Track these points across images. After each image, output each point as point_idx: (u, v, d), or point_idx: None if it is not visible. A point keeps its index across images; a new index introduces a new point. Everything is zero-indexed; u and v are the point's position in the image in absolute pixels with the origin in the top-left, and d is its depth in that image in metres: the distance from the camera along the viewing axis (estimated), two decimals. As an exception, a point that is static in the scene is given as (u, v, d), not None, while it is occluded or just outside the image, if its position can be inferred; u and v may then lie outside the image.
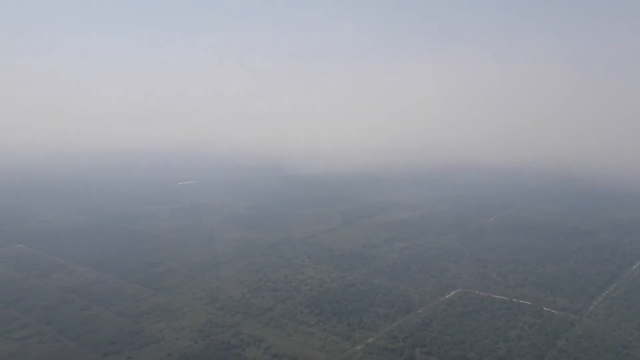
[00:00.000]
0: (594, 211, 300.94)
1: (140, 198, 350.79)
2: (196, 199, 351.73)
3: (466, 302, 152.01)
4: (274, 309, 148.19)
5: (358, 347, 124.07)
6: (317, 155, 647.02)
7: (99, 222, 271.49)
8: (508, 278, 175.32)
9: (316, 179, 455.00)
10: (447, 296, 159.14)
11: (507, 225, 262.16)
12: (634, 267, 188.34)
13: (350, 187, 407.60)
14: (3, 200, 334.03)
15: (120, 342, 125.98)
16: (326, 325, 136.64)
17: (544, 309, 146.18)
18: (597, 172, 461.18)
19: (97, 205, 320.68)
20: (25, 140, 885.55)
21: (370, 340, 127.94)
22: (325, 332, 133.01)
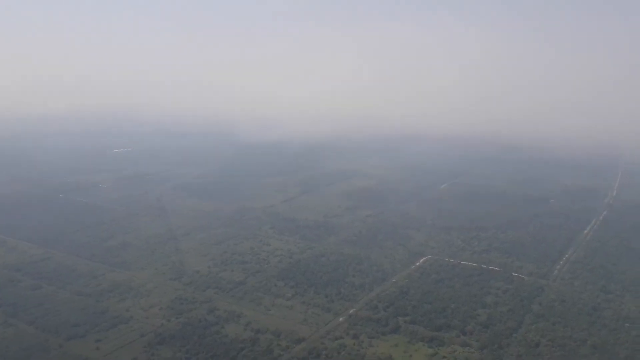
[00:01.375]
0: (542, 178, 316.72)
1: (77, 167, 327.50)
2: (139, 167, 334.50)
3: (438, 270, 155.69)
4: (246, 283, 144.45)
5: (341, 319, 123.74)
6: (270, 122, 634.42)
7: (37, 192, 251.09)
8: (473, 244, 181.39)
9: (271, 147, 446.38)
10: (418, 264, 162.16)
11: (462, 192, 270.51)
12: (586, 231, 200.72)
13: (307, 155, 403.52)
14: None
15: (84, 324, 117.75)
16: (304, 298, 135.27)
17: (513, 274, 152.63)
18: (541, 140, 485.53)
19: (30, 175, 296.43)
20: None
21: (351, 311, 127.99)
22: (304, 304, 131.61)
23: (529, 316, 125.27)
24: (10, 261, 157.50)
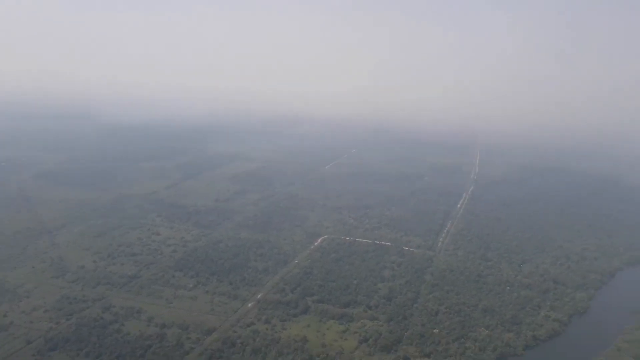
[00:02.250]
0: (412, 158, 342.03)
1: None
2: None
3: (336, 248, 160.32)
4: (141, 276, 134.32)
5: (249, 305, 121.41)
6: (137, 103, 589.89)
7: None
8: (364, 222, 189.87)
9: (140, 129, 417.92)
10: (316, 244, 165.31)
11: (344, 172, 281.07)
12: (459, 205, 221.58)
13: (184, 138, 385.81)
14: None
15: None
16: (207, 287, 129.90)
17: (404, 248, 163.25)
18: (409, 122, 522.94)
19: None
20: None
21: (259, 295, 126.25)
22: (208, 294, 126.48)
23: (425, 286, 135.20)
24: None
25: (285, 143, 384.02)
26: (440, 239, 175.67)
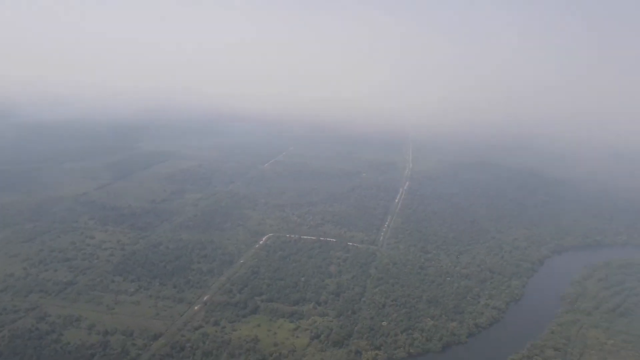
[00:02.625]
0: (349, 154, 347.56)
1: None
2: None
3: (282, 246, 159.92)
4: (77, 282, 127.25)
5: (196, 308, 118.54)
6: (60, 100, 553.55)
7: None
8: (308, 219, 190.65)
9: (63, 127, 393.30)
10: (261, 242, 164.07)
11: (284, 170, 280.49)
12: (396, 200, 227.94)
13: (112, 136, 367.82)
14: None
15: None
16: (149, 291, 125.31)
17: (349, 243, 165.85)
18: (343, 121, 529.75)
19: None
20: None
21: (205, 298, 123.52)
22: (152, 298, 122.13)
23: (370, 281, 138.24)
24: None
25: (222, 140, 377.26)
26: (382, 234, 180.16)
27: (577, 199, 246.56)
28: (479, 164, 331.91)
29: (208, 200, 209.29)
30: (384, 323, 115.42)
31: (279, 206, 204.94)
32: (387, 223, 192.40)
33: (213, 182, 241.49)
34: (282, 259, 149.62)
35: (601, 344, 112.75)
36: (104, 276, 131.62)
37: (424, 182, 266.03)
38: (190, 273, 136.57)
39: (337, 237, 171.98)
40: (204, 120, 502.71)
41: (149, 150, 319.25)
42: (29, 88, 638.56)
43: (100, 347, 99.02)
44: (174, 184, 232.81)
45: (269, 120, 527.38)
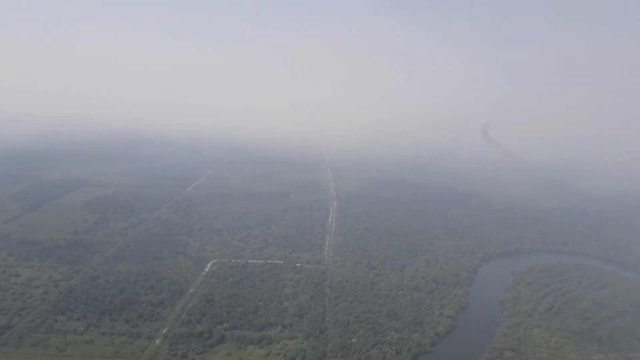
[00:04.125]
0: (271, 175, 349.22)
1: None
2: None
3: (230, 272, 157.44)
4: (14, 325, 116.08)
5: (157, 342, 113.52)
6: None
7: None
8: (249, 242, 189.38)
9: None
10: (207, 269, 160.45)
11: (209, 194, 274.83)
12: (329, 219, 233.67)
13: (8, 163, 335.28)
14: None
15: None
16: (101, 329, 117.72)
17: (297, 264, 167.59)
18: (261, 142, 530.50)
19: None
20: None
21: (164, 330, 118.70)
22: (105, 335, 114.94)
23: (328, 299, 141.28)
24: None
25: (133, 165, 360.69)
26: (325, 253, 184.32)
27: (490, 210, 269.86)
28: (397, 181, 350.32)
29: (136, 229, 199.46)
30: (354, 340, 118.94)
31: (216, 231, 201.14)
32: (327, 242, 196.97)
33: (136, 209, 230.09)
34: (234, 284, 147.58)
35: (547, 342, 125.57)
36: (45, 316, 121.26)
37: (350, 201, 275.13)
38: (141, 306, 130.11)
39: (284, 259, 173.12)
40: (109, 144, 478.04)
41: (55, 178, 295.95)
42: None
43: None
44: (93, 214, 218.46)
45: (179, 142, 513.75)
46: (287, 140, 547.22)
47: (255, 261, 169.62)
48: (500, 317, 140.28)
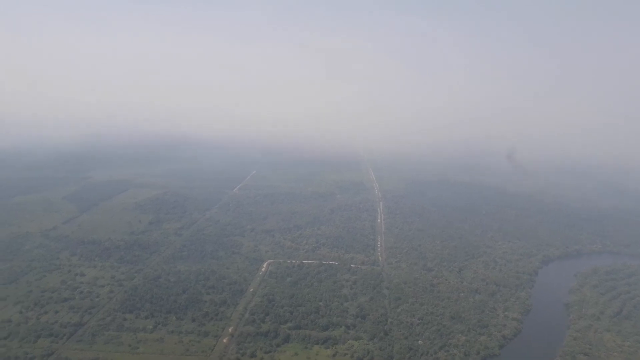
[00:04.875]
0: (312, 175, 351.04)
1: None
2: None
3: (287, 272, 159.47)
4: (86, 323, 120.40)
5: (224, 340, 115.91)
6: None
7: None
8: (301, 243, 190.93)
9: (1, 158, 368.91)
10: (264, 270, 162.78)
11: (255, 194, 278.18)
12: (379, 220, 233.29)
13: (57, 166, 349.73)
14: None
15: None
16: (169, 327, 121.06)
17: (352, 265, 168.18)
18: (298, 143, 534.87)
19: None
20: None
21: (230, 329, 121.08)
22: (174, 334, 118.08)
23: (389, 301, 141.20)
24: None
25: (178, 168, 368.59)
26: (379, 254, 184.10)
27: (543, 211, 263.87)
28: (441, 181, 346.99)
29: (190, 229, 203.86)
30: (420, 342, 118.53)
31: (267, 231, 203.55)
32: (379, 243, 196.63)
33: (188, 210, 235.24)
34: (292, 284, 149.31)
35: (619, 346, 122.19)
36: (113, 314, 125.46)
37: (397, 201, 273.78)
38: (204, 305, 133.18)
39: (338, 260, 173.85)
40: (146, 147, 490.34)
41: (103, 179, 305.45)
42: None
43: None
44: (147, 214, 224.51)
45: (213, 144, 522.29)
46: (322, 140, 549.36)
47: (310, 262, 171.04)
48: (566, 320, 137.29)
